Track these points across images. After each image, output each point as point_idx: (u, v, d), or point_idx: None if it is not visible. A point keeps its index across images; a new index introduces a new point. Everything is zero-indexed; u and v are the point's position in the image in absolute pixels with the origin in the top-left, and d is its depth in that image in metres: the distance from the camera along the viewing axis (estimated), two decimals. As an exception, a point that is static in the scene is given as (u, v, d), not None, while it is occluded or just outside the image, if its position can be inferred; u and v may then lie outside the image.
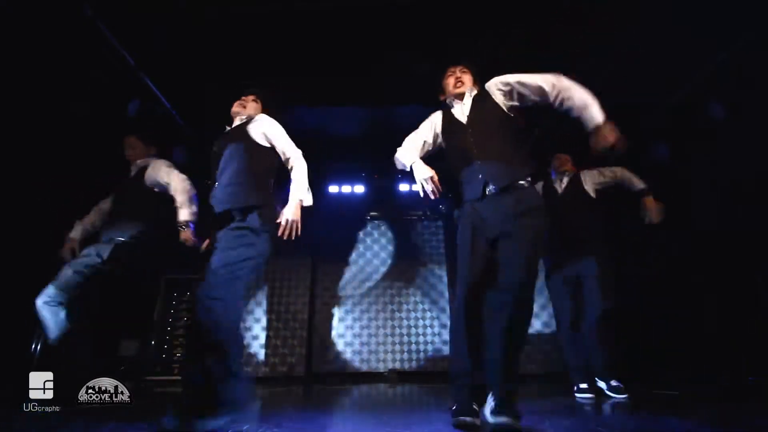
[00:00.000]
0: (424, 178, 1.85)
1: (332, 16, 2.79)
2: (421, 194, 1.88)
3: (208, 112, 3.62)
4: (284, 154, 1.95)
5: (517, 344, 1.66)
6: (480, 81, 2.06)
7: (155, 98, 3.38)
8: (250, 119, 2.03)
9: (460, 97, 2.02)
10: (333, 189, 5.30)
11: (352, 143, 4.55)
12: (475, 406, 1.62)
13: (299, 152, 1.95)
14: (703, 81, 3.14)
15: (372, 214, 5.41)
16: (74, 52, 2.77)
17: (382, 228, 5.45)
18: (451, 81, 2.07)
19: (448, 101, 2.09)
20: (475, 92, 2.02)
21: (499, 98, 1.90)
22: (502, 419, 1.48)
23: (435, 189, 1.84)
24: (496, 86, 1.92)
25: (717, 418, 1.65)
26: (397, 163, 2.06)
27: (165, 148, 2.89)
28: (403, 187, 5.32)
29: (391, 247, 5.34)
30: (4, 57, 2.58)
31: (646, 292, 3.86)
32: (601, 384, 2.59)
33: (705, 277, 3.39)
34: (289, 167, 1.95)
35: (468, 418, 1.55)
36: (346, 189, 5.26)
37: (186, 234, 2.43)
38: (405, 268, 5.24)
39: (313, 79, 3.39)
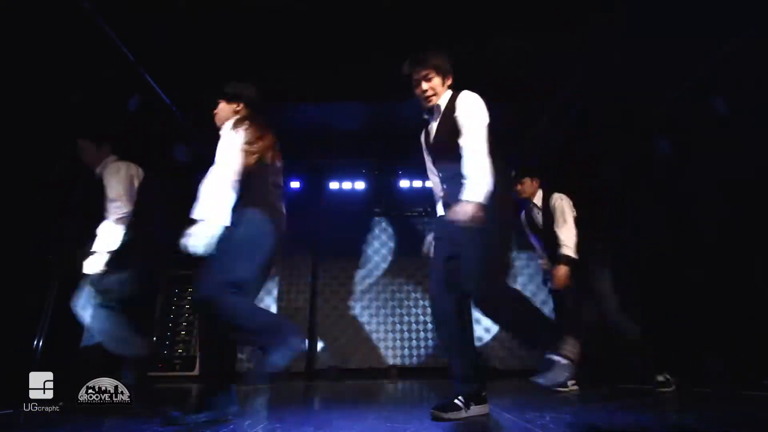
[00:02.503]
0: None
1: (333, 10, 2.77)
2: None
3: (209, 108, 3.61)
4: None
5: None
6: (452, 76, 1.82)
7: (155, 94, 3.36)
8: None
9: (430, 111, 1.83)
10: (333, 185, 5.30)
11: (352, 139, 4.54)
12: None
13: (220, 166, 1.69)
14: (703, 79, 3.11)
15: (373, 210, 5.40)
16: (72, 46, 2.74)
17: (383, 224, 5.45)
18: (418, 93, 1.81)
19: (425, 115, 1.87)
20: (447, 100, 1.78)
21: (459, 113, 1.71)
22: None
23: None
24: (462, 98, 1.73)
25: (716, 414, 1.65)
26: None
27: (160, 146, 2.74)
28: (404, 184, 5.32)
29: (391, 244, 5.34)
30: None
31: (647, 291, 3.86)
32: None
33: (705, 276, 3.38)
34: None
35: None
36: (347, 185, 5.25)
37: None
38: (406, 265, 5.24)
39: (313, 75, 3.37)
